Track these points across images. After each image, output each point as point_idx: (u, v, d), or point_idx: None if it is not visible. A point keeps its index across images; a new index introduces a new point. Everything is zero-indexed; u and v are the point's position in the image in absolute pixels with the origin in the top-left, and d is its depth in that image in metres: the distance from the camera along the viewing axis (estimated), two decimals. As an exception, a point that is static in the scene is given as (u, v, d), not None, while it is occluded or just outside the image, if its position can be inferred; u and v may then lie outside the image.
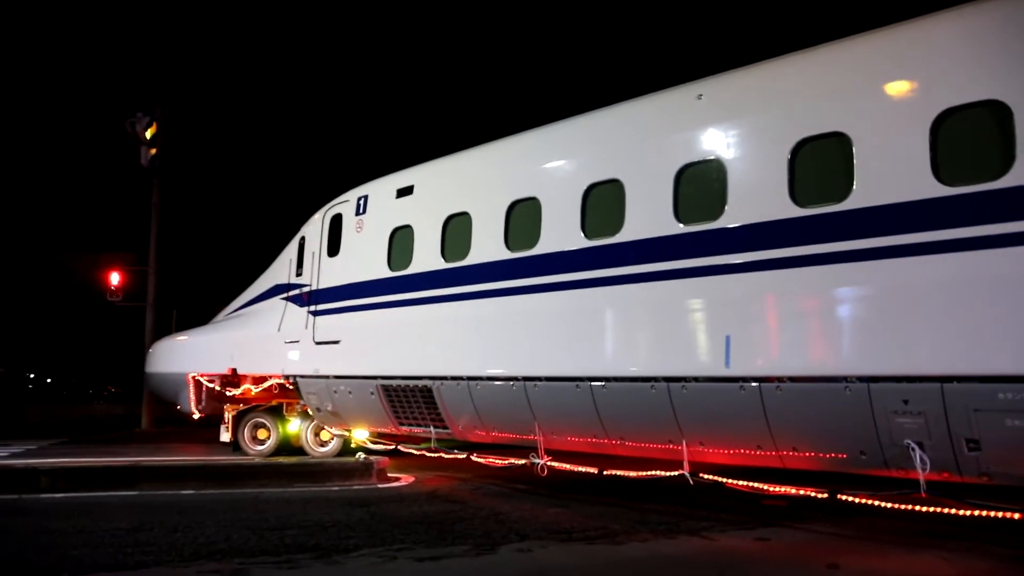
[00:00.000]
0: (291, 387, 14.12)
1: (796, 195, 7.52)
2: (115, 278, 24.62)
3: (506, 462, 10.70)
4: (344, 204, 13.27)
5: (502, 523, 8.39)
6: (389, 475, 12.21)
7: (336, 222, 13.31)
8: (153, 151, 22.31)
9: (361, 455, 12.88)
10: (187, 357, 16.50)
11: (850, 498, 7.34)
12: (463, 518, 8.69)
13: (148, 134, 22.02)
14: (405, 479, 12.21)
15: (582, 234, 9.28)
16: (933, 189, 6.66)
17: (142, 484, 10.85)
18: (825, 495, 7.52)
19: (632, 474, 9.22)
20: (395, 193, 12.19)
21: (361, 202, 12.84)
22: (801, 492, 7.71)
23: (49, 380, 57.62)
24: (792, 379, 7.40)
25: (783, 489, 7.84)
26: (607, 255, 8.95)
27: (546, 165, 10.07)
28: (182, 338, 17.52)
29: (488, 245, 10.39)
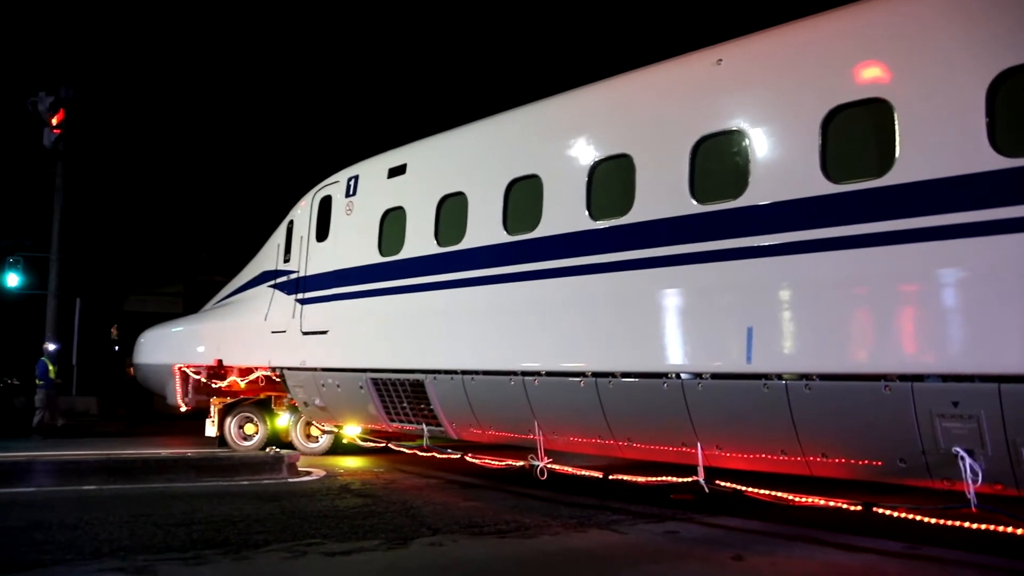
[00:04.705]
0: (278, 379, 13.38)
1: (829, 169, 6.68)
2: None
3: (503, 463, 9.96)
4: (333, 185, 12.47)
5: (414, 517, 8.25)
6: (300, 469, 12.11)
7: (325, 204, 12.50)
8: (57, 132, 21.37)
9: (272, 448, 12.39)
10: (173, 347, 15.82)
11: (887, 511, 6.53)
12: (375, 512, 8.52)
13: (54, 121, 21.10)
14: (317, 473, 11.98)
15: (588, 215, 8.46)
16: (990, 161, 5.81)
17: (39, 480, 10.31)
18: (859, 507, 6.71)
19: (640, 479, 8.42)
20: (387, 173, 11.38)
21: (351, 183, 12.02)
22: (831, 504, 6.89)
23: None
24: (822, 377, 6.57)
25: (810, 500, 7.02)
26: (615, 238, 8.13)
27: (548, 140, 9.23)
28: (168, 328, 16.80)
29: (485, 227, 9.57)
